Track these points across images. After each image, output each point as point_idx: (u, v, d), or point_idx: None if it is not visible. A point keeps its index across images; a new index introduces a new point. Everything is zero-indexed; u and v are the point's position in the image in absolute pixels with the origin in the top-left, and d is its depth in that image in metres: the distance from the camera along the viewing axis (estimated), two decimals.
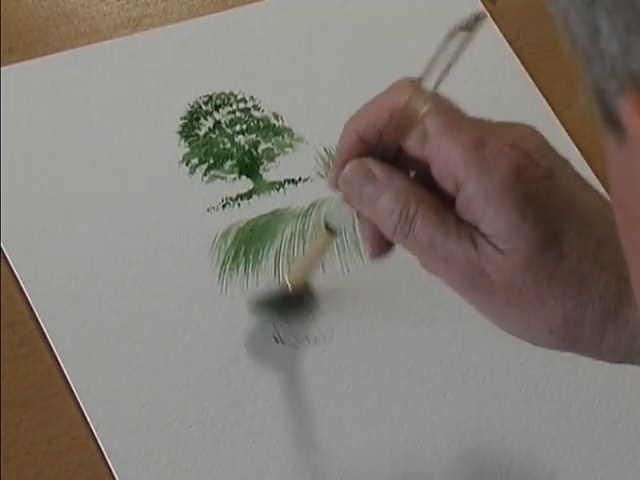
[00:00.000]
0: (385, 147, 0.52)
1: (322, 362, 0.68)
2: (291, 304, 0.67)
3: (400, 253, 0.66)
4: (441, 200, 0.50)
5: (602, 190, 0.54)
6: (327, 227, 0.60)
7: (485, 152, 0.48)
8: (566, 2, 0.29)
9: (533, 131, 0.51)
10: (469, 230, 0.49)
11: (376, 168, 0.51)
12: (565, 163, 0.51)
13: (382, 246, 0.54)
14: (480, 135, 0.49)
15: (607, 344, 0.50)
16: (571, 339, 0.50)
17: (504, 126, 0.51)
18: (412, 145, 0.51)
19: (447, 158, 0.49)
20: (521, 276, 0.48)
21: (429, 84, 0.50)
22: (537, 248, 0.48)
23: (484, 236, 0.48)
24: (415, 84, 0.50)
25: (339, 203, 0.56)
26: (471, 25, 0.47)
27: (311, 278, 0.67)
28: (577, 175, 0.51)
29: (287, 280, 0.67)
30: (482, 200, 0.48)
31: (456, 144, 0.49)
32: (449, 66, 0.49)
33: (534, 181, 0.48)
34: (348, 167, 0.52)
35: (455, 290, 0.51)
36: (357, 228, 0.72)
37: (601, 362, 0.71)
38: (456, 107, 0.52)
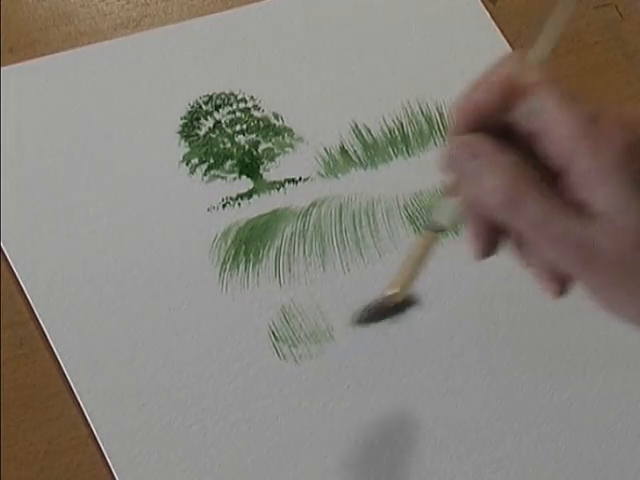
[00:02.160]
0: (494, 122, 0.50)
1: (322, 362, 0.68)
2: (398, 310, 0.66)
3: (389, 256, 0.66)
4: (550, 178, 0.48)
5: None
6: (429, 227, 0.57)
7: (597, 129, 0.47)
8: None
9: None
10: (581, 208, 0.47)
11: (483, 144, 0.50)
12: None
13: (488, 246, 0.53)
14: (592, 113, 0.48)
15: None
16: None
17: (612, 106, 0.50)
18: (520, 119, 0.49)
19: (560, 132, 0.48)
20: (632, 254, 0.47)
21: (538, 56, 0.49)
22: None
23: (598, 213, 0.47)
24: (525, 56, 0.49)
25: (445, 202, 0.55)
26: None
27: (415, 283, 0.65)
28: None
29: (393, 287, 0.64)
30: (595, 176, 0.47)
31: (571, 117, 0.47)
32: (557, 35, 0.48)
33: None
34: (453, 144, 0.50)
35: (564, 268, 0.49)
36: (357, 227, 0.72)
37: (601, 362, 0.71)
38: (564, 81, 0.50)
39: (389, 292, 0.62)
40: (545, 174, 0.49)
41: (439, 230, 0.57)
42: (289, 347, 0.68)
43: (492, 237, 0.53)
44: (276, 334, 0.68)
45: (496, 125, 0.50)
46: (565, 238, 0.47)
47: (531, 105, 0.48)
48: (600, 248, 0.47)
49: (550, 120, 0.48)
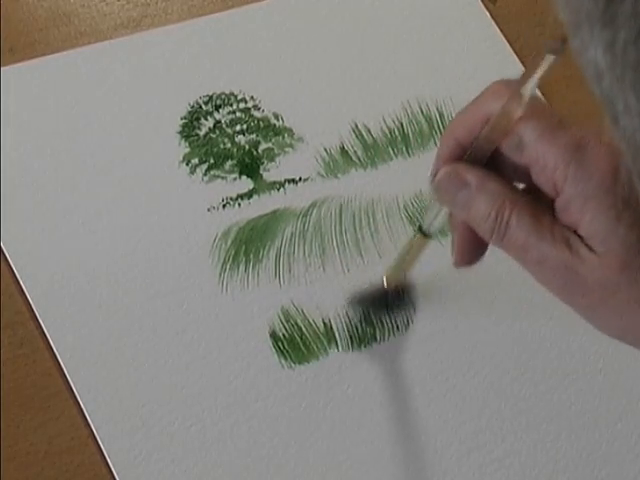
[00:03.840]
0: (480, 151, 0.52)
1: (322, 362, 0.68)
2: (388, 301, 0.68)
3: (389, 257, 0.67)
4: (538, 204, 0.50)
5: None
6: (421, 230, 0.60)
7: (584, 154, 0.49)
8: (613, 90, 0.29)
9: None
10: (564, 232, 0.49)
11: (469, 173, 0.52)
12: None
13: (470, 256, 0.55)
14: (578, 138, 0.49)
15: None
16: None
17: (601, 130, 0.51)
18: (509, 151, 0.51)
19: (546, 162, 0.49)
20: (616, 277, 0.48)
21: (525, 88, 0.50)
22: (633, 249, 0.48)
23: (581, 238, 0.49)
24: (511, 88, 0.50)
25: (433, 208, 0.57)
26: (558, 48, 0.47)
27: (407, 277, 0.67)
28: None
29: (385, 278, 0.67)
30: (580, 201, 0.48)
31: (555, 147, 0.49)
32: (544, 72, 0.49)
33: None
34: (441, 173, 0.53)
35: (550, 291, 0.51)
36: (357, 228, 0.72)
37: (601, 362, 0.71)
38: (551, 110, 0.52)
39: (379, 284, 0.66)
40: (541, 201, 0.50)
41: (429, 236, 0.59)
42: (289, 347, 0.68)
43: (476, 249, 0.54)
44: (276, 334, 0.68)
45: (487, 153, 0.52)
46: (548, 262, 0.49)
47: (516, 140, 0.50)
48: (584, 271, 0.48)
49: (534, 154, 0.50)
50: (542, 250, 0.49)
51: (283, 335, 0.68)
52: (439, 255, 0.66)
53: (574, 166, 0.48)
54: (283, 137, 0.75)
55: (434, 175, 0.54)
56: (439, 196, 0.54)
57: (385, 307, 0.68)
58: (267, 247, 0.71)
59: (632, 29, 0.28)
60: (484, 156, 0.52)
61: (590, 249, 0.48)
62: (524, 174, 0.51)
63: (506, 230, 0.50)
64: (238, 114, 0.75)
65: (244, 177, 0.73)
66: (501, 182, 0.51)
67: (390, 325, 0.69)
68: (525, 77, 0.50)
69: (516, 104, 0.50)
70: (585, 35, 0.29)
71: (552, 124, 0.50)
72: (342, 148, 0.75)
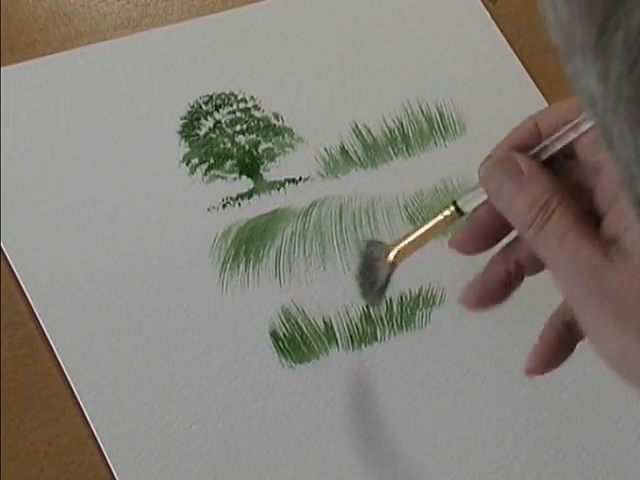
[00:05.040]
0: (551, 144, 0.51)
1: (322, 362, 0.68)
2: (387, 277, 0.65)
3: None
4: (587, 209, 0.50)
5: None
6: (456, 205, 0.56)
7: None
8: (607, 119, 0.29)
9: None
10: (606, 241, 0.48)
11: (524, 163, 0.50)
12: None
13: (471, 244, 0.54)
14: None
15: None
16: None
17: None
18: (587, 146, 0.50)
19: (608, 172, 0.49)
20: (638, 294, 0.47)
21: None
22: None
23: (619, 247, 0.48)
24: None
25: (477, 190, 0.54)
26: None
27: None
28: None
29: (385, 258, 0.63)
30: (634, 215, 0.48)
31: None
32: None
33: None
34: (493, 158, 0.51)
35: (567, 292, 0.50)
36: (357, 227, 0.72)
37: (601, 362, 0.71)
38: None
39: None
40: (594, 208, 0.50)
41: (461, 213, 0.56)
42: (289, 347, 0.68)
43: (483, 243, 0.53)
44: (276, 334, 0.68)
45: (562, 146, 0.51)
46: (579, 259, 0.48)
47: (594, 140, 0.49)
48: (610, 278, 0.47)
49: (603, 159, 0.49)
50: (576, 248, 0.48)
51: (283, 334, 0.68)
52: (440, 255, 0.66)
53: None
54: (283, 137, 0.75)
55: (500, 150, 0.52)
56: (485, 182, 0.52)
57: (370, 286, 0.65)
58: (267, 247, 0.71)
59: (625, 62, 0.27)
60: (552, 149, 0.51)
61: (625, 259, 0.47)
62: (587, 174, 0.50)
63: (547, 222, 0.49)
64: (238, 114, 0.75)
65: (244, 177, 0.73)
66: (554, 179, 0.50)
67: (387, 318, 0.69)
68: None
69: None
70: (578, 63, 0.29)
71: None
72: (342, 148, 0.75)
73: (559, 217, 0.49)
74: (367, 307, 0.68)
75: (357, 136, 0.75)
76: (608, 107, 0.28)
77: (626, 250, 0.48)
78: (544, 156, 0.51)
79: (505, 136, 0.53)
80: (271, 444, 0.65)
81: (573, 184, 0.51)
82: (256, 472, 0.65)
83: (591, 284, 0.48)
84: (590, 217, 0.50)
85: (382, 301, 0.64)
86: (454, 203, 0.56)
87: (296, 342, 0.68)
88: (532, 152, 0.51)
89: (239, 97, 0.76)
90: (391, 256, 0.61)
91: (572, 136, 0.50)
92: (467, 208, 0.55)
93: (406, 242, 0.60)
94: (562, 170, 0.51)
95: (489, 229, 0.53)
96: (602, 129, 0.29)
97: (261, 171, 0.73)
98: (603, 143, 0.30)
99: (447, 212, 0.57)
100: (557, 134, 0.51)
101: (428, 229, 0.59)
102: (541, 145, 0.51)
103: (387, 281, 0.62)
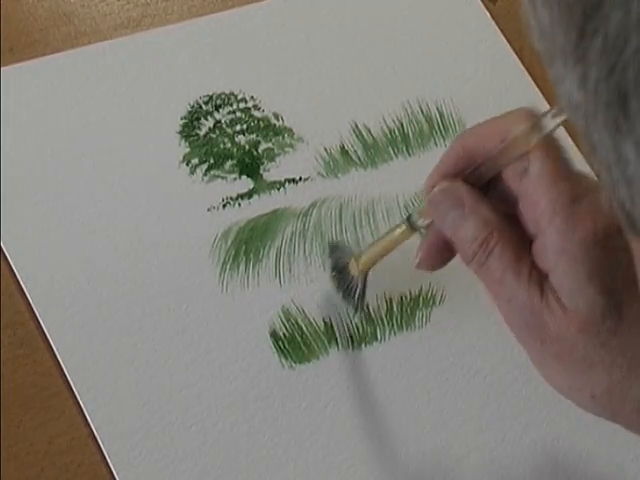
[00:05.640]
0: (484, 170, 0.52)
1: (322, 362, 0.68)
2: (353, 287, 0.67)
3: (389, 256, 0.66)
4: (522, 240, 0.50)
5: None
6: (409, 221, 0.59)
7: (575, 209, 0.49)
8: (588, 123, 0.29)
9: None
10: (540, 277, 0.49)
11: (465, 194, 0.52)
12: None
13: (434, 262, 0.55)
14: (577, 192, 0.49)
15: None
16: (612, 410, 0.50)
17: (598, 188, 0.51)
18: (511, 174, 0.51)
19: (538, 201, 0.49)
20: (575, 335, 0.48)
21: (548, 122, 0.50)
22: (597, 313, 0.48)
23: (551, 286, 0.49)
24: (534, 118, 0.50)
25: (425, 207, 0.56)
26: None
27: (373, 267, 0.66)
28: None
29: (355, 263, 0.65)
30: (557, 253, 0.48)
31: (552, 192, 0.49)
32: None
33: (613, 250, 0.48)
34: (437, 189, 0.53)
35: (510, 328, 0.51)
36: (357, 227, 0.72)
37: None
38: (566, 153, 0.52)
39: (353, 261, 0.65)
40: (522, 232, 0.51)
41: (413, 229, 0.58)
42: (289, 347, 0.68)
43: (443, 258, 0.54)
44: (276, 334, 0.68)
45: (490, 173, 0.52)
46: (517, 300, 0.49)
47: (522, 167, 0.50)
48: (548, 320, 0.48)
49: (531, 188, 0.50)
50: (514, 288, 0.49)
51: (283, 334, 0.68)
52: None
53: (561, 217, 0.48)
54: (283, 137, 0.75)
55: (431, 186, 0.53)
56: (431, 208, 0.53)
57: (348, 290, 0.67)
58: (267, 247, 0.71)
59: (603, 66, 0.27)
60: (484, 178, 0.52)
61: (557, 300, 0.48)
62: (511, 200, 0.51)
63: (487, 259, 0.50)
64: (238, 114, 0.75)
65: (244, 177, 0.73)
66: (493, 210, 0.51)
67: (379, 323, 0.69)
68: (551, 112, 0.50)
69: (535, 134, 0.50)
70: (560, 68, 0.29)
71: (560, 168, 0.50)
72: (342, 148, 0.75)
73: (497, 256, 0.50)
74: (352, 310, 0.69)
75: (357, 136, 0.75)
76: (588, 112, 0.28)
77: (556, 291, 0.49)
78: (481, 182, 0.52)
79: (437, 162, 0.54)
80: (271, 444, 0.65)
81: (505, 207, 0.52)
82: (256, 472, 0.65)
83: (531, 325, 0.49)
84: (525, 240, 0.50)
85: (363, 308, 0.67)
86: (408, 218, 0.59)
87: (296, 342, 0.68)
88: (465, 174, 0.53)
89: (239, 97, 0.76)
90: (360, 265, 0.64)
91: (505, 160, 0.51)
92: (420, 224, 0.58)
93: (370, 253, 0.64)
94: (496, 193, 0.52)
95: (447, 248, 0.54)
96: (584, 134, 0.30)
97: (261, 171, 0.73)
98: (586, 147, 0.30)
99: (403, 227, 0.59)
100: (488, 156, 0.52)
101: (388, 242, 0.62)
102: (471, 168, 0.52)
103: (364, 289, 0.65)
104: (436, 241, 0.54)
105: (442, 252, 0.54)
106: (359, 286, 0.65)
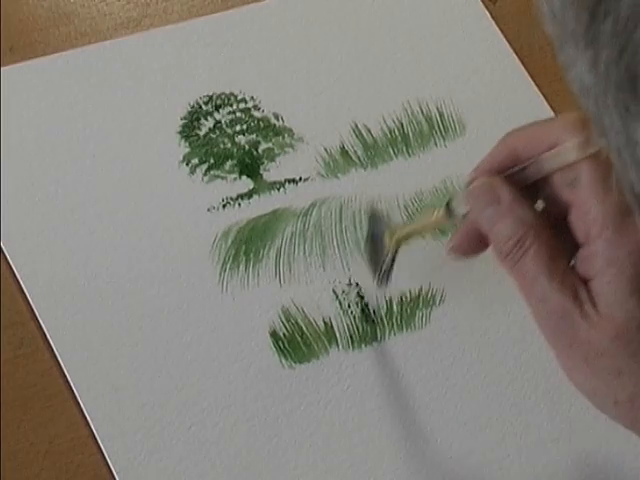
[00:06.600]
0: (528, 173, 0.52)
1: (322, 362, 0.68)
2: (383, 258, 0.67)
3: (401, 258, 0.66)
4: (559, 242, 0.51)
5: None
6: (448, 206, 0.58)
7: (626, 221, 0.49)
8: (599, 106, 0.29)
9: None
10: (574, 281, 0.49)
11: (504, 191, 0.52)
12: None
13: (467, 250, 0.55)
14: (626, 205, 0.49)
15: None
16: (632, 417, 0.51)
17: None
18: (561, 182, 0.51)
19: (589, 211, 0.50)
20: (607, 342, 0.49)
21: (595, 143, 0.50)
22: (633, 325, 0.48)
23: (589, 291, 0.49)
24: (588, 128, 0.50)
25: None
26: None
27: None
28: None
29: (389, 236, 0.65)
30: (605, 261, 0.49)
31: (604, 203, 0.49)
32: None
33: None
34: (477, 183, 0.53)
35: (540, 330, 0.51)
36: (357, 227, 0.72)
37: None
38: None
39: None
40: (566, 238, 0.51)
41: (451, 215, 0.58)
42: (289, 347, 0.68)
43: (477, 247, 0.54)
44: (276, 334, 0.68)
45: (535, 176, 0.52)
46: (550, 302, 0.50)
47: (573, 176, 0.50)
48: (579, 324, 0.49)
49: (583, 197, 0.50)
50: (547, 289, 0.50)
51: (283, 334, 0.68)
52: (439, 256, 0.66)
53: (612, 229, 0.49)
54: (283, 137, 0.75)
55: (473, 178, 0.53)
56: (469, 202, 0.53)
57: (377, 259, 0.67)
58: (267, 247, 0.71)
59: (614, 49, 0.27)
60: (528, 179, 0.52)
61: (594, 306, 0.49)
62: (560, 208, 0.51)
63: (521, 258, 0.50)
64: (238, 114, 0.75)
65: (244, 177, 0.73)
66: (532, 210, 0.52)
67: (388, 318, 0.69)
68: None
69: (588, 146, 0.50)
70: (571, 51, 0.29)
71: (609, 181, 0.50)
72: (342, 148, 0.75)
73: (532, 256, 0.50)
74: (377, 283, 0.68)
75: (357, 136, 0.75)
76: (599, 94, 0.29)
77: (594, 298, 0.49)
78: (524, 182, 0.52)
79: (485, 156, 0.54)
80: (271, 444, 0.65)
81: (550, 210, 0.52)
82: (256, 472, 0.65)
83: (561, 327, 0.50)
84: (567, 245, 0.51)
85: (388, 280, 0.66)
86: (447, 204, 0.58)
87: (296, 342, 0.68)
88: (508, 172, 0.52)
89: (239, 97, 0.76)
90: (393, 239, 0.64)
91: (552, 166, 0.51)
92: (458, 212, 0.57)
93: (406, 229, 0.63)
94: (542, 193, 0.52)
95: (483, 239, 0.54)
96: (594, 118, 0.30)
97: (261, 171, 0.73)
98: (596, 132, 0.30)
99: (441, 211, 0.58)
100: (536, 159, 0.52)
101: (424, 222, 0.62)
102: (517, 168, 0.52)
103: (392, 261, 0.65)
104: (472, 230, 0.54)
105: (477, 242, 0.54)
106: (389, 258, 0.65)
